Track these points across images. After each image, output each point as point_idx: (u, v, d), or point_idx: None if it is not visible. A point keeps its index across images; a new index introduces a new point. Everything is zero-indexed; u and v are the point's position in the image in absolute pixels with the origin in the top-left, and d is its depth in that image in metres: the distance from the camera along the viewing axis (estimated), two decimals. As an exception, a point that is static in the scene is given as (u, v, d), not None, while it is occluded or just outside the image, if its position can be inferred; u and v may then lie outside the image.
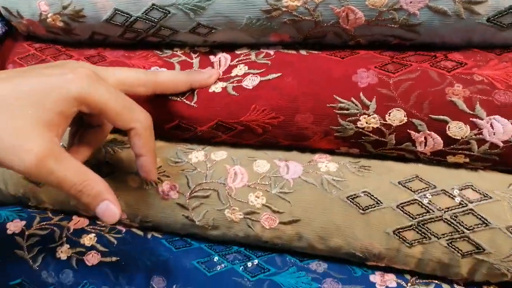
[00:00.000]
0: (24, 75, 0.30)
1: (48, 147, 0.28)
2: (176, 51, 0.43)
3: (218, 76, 0.40)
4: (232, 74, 0.38)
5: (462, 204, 0.33)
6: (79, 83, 0.29)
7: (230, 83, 0.38)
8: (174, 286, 0.39)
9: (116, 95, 0.31)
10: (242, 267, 0.39)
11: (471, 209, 0.32)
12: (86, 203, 0.30)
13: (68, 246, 0.43)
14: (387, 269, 0.37)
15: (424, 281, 0.36)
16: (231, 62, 0.40)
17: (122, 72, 0.35)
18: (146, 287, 0.40)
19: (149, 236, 0.43)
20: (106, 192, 0.30)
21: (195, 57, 0.41)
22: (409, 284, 0.36)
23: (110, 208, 0.30)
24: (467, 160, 0.34)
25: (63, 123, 0.30)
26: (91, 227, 0.45)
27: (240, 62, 0.39)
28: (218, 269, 0.39)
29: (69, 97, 0.29)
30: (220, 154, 0.41)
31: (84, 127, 0.37)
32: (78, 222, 0.45)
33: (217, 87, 0.38)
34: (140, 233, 0.44)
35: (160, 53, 0.43)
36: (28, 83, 0.29)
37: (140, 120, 0.32)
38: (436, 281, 0.36)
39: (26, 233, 0.45)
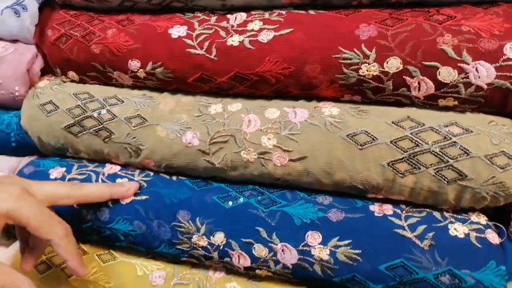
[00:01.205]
0: None
1: None
2: (197, 14, 0.48)
3: (136, 188, 0.47)
4: (248, 28, 0.43)
5: (447, 138, 0.37)
6: (8, 202, 0.37)
7: (246, 37, 0.43)
8: (197, 218, 0.44)
9: (39, 212, 0.38)
10: (256, 200, 0.44)
11: (454, 142, 0.37)
12: None
13: (104, 187, 0.49)
14: (384, 201, 0.42)
15: (417, 209, 0.41)
16: (246, 18, 0.45)
17: (49, 187, 0.42)
18: (173, 220, 0.45)
19: (174, 178, 0.49)
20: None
21: (213, 16, 0.46)
22: (404, 212, 0.41)
23: None
24: (456, 103, 0.39)
25: None
26: (123, 172, 0.50)
27: (255, 18, 0.44)
28: (236, 203, 0.44)
29: (4, 211, 0.36)
30: (235, 105, 0.46)
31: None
32: (111, 168, 0.51)
33: (234, 40, 0.43)
34: (166, 176, 0.49)
35: (182, 15, 0.48)
36: None
37: (57, 232, 0.39)
38: (428, 209, 0.40)
39: (67, 177, 0.50)
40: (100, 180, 0.49)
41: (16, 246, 0.52)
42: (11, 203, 0.37)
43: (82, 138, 0.50)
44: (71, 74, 0.52)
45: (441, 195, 0.39)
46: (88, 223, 0.48)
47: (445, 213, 0.40)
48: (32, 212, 0.37)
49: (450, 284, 0.37)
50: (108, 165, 0.52)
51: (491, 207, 0.39)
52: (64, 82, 0.53)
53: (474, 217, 0.39)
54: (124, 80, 0.49)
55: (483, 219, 0.39)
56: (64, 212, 0.46)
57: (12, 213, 0.37)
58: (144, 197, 0.47)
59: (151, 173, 0.50)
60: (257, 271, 0.44)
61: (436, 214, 0.40)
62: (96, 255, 0.51)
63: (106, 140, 0.48)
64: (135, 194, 0.47)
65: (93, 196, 0.44)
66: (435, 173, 0.38)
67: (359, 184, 0.41)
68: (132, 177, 0.49)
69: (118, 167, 0.51)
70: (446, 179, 0.38)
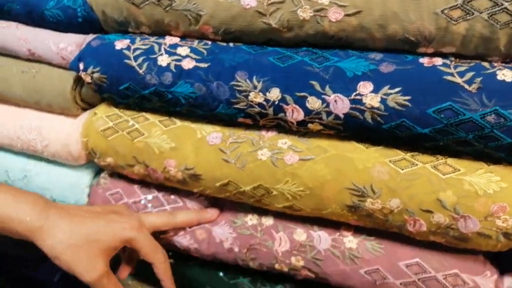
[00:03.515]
0: (95, 219, 0.50)
1: (104, 270, 0.47)
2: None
3: (218, 214, 0.57)
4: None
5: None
6: (131, 232, 0.49)
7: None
8: (254, 77, 0.48)
9: (148, 241, 0.50)
10: (310, 59, 0.47)
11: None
12: None
13: (167, 55, 0.52)
14: (434, 55, 0.44)
15: (466, 60, 0.43)
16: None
17: (153, 218, 0.54)
18: (231, 80, 0.49)
19: (231, 45, 0.52)
20: None
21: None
22: (453, 63, 0.43)
23: None
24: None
25: (114, 252, 0.50)
26: (183, 42, 0.54)
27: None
28: (291, 61, 0.47)
29: (122, 239, 0.49)
30: None
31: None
32: (171, 39, 0.55)
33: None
34: (224, 44, 0.52)
35: None
36: (97, 226, 0.49)
37: (159, 258, 0.51)
38: (477, 60, 0.42)
39: (132, 47, 0.54)
40: (162, 49, 0.53)
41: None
42: (134, 233, 0.49)
43: (144, 9, 0.53)
44: None
45: (492, 42, 0.40)
46: (152, 88, 0.52)
47: (493, 63, 0.42)
48: (145, 241, 0.50)
49: (495, 123, 0.39)
50: (168, 37, 0.55)
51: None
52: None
53: (523, 64, 0.41)
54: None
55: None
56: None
57: (131, 240, 0.49)
58: (206, 65, 0.50)
59: (209, 42, 0.53)
60: (309, 125, 0.48)
61: (485, 64, 0.42)
62: (158, 121, 0.56)
63: (167, 8, 0.51)
64: (197, 61, 0.51)
65: (184, 224, 0.56)
66: (488, 17, 0.39)
67: (411, 36, 0.43)
68: (191, 45, 0.53)
69: (178, 38, 0.54)
70: (498, 23, 0.39)
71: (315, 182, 0.47)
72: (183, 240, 0.58)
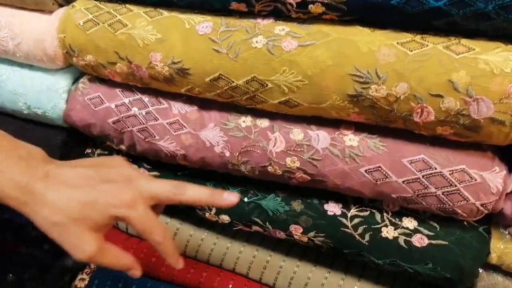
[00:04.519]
0: (85, 190, 0.41)
1: (94, 248, 0.41)
2: None
3: (237, 198, 0.45)
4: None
5: None
6: (120, 210, 0.41)
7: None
8: None
9: (144, 219, 0.42)
10: None
11: None
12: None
13: None
14: None
15: None
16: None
17: (156, 188, 0.43)
18: None
19: None
20: (132, 265, 0.43)
21: None
22: None
23: (132, 272, 0.44)
24: None
25: (106, 228, 0.42)
26: None
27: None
28: None
29: (112, 217, 0.41)
30: None
31: None
32: None
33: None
34: None
35: None
36: (86, 200, 0.41)
37: (156, 239, 0.42)
38: None
39: None
40: None
41: None
42: (124, 210, 0.41)
43: None
44: None
45: None
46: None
47: None
48: (139, 219, 0.42)
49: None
50: None
51: None
52: None
53: None
54: None
55: None
56: None
57: (124, 219, 0.42)
58: None
59: None
60: (310, 7, 0.43)
61: None
62: (143, 12, 0.51)
63: None
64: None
65: (193, 203, 0.45)
66: None
67: None
68: None
69: None
70: None
71: (315, 69, 0.43)
72: (169, 145, 0.54)
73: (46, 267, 1.09)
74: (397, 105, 0.42)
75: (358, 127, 0.48)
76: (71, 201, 0.40)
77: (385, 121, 0.45)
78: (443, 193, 0.45)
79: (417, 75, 0.40)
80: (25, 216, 0.40)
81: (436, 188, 0.45)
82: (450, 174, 0.44)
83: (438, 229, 0.49)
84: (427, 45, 0.41)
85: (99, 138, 0.60)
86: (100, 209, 0.41)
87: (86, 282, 0.64)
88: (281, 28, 0.46)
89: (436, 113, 0.41)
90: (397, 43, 0.42)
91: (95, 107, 0.56)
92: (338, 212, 0.52)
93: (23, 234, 1.01)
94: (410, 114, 0.42)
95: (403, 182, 0.46)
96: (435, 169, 0.44)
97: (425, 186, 0.45)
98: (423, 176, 0.45)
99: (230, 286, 0.60)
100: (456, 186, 0.44)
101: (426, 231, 0.49)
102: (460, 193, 0.44)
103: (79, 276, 0.65)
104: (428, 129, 0.43)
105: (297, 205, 0.54)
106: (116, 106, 0.55)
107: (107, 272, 0.65)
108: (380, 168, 0.46)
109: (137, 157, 0.59)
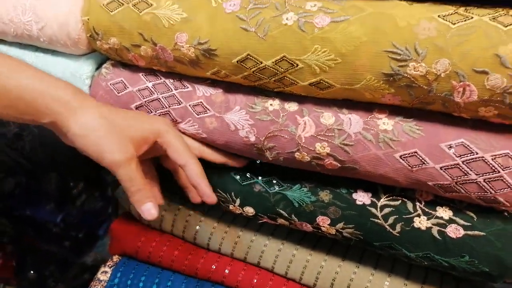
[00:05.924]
0: (127, 111, 0.48)
1: (134, 154, 0.43)
2: None
3: (243, 162, 0.54)
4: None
5: None
6: (163, 124, 0.46)
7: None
8: None
9: (181, 138, 0.47)
10: None
11: None
12: (134, 200, 0.44)
13: None
14: None
15: None
16: None
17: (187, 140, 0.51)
18: None
19: None
20: (151, 197, 0.44)
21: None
22: None
23: (148, 208, 0.44)
24: None
25: (145, 145, 0.45)
26: None
27: None
28: None
29: (155, 131, 0.45)
30: None
31: None
32: None
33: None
34: None
35: None
36: (130, 115, 0.46)
37: (192, 157, 0.46)
38: None
39: None
40: None
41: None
42: (167, 126, 0.46)
43: None
44: None
45: None
46: None
47: None
48: (177, 137, 0.46)
49: None
50: None
51: None
52: None
53: None
54: None
55: None
56: None
57: (165, 134, 0.46)
58: None
59: None
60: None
61: None
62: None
63: None
64: None
65: (209, 159, 0.53)
66: None
67: None
68: None
69: None
70: None
71: (349, 46, 0.41)
72: (190, 127, 0.52)
73: (67, 265, 1.08)
74: (437, 84, 0.39)
75: (393, 110, 0.45)
76: (119, 112, 0.45)
77: (422, 103, 0.42)
78: (484, 180, 0.42)
79: (460, 50, 0.38)
80: (67, 122, 0.42)
81: (476, 175, 0.42)
82: (492, 160, 0.41)
83: (475, 220, 0.46)
84: (471, 17, 0.38)
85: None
86: (146, 121, 0.46)
87: (109, 275, 0.62)
88: (312, 3, 0.44)
89: (480, 92, 0.38)
90: (438, 16, 0.39)
91: (118, 93, 0.55)
92: (368, 201, 0.50)
93: (44, 231, 1.00)
94: (451, 94, 0.40)
95: (440, 168, 0.43)
96: (476, 154, 0.41)
97: (465, 172, 0.42)
98: (463, 162, 0.42)
99: (255, 280, 0.57)
100: (499, 172, 0.41)
101: (462, 221, 0.46)
102: (504, 180, 0.41)
103: (102, 269, 0.63)
104: (469, 110, 0.40)
105: (325, 195, 0.51)
106: (139, 90, 0.54)
107: (129, 265, 0.63)
108: (416, 154, 0.43)
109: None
